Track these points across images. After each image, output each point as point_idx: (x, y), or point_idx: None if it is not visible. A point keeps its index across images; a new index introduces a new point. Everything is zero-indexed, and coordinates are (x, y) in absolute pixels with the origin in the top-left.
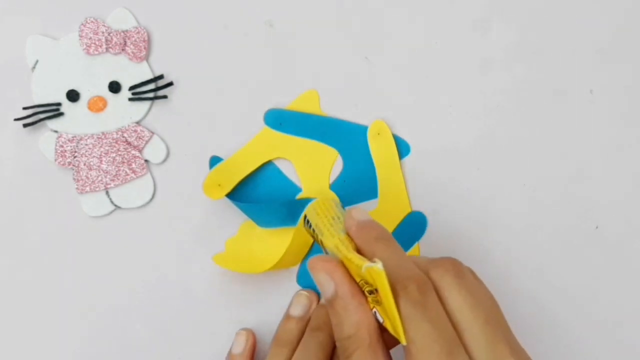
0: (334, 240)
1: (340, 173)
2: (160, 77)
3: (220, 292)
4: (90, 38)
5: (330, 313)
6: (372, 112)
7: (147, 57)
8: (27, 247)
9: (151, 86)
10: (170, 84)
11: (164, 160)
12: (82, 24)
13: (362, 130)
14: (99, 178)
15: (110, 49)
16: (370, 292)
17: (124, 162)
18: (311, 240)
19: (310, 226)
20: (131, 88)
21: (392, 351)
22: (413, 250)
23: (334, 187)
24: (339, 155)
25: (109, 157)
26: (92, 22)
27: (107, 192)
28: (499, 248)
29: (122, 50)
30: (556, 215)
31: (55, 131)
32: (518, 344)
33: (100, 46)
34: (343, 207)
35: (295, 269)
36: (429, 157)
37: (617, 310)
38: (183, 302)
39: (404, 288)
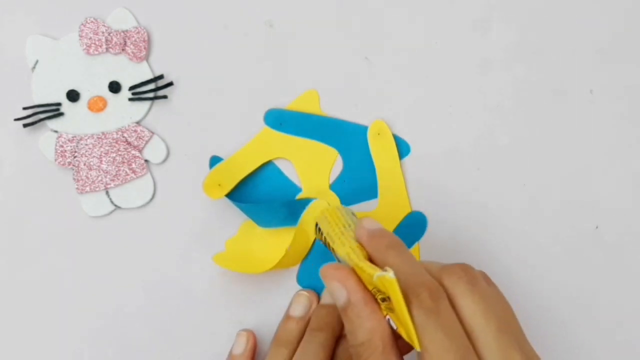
0: (345, 249)
1: (340, 173)
2: (160, 77)
3: (221, 292)
4: (90, 38)
5: (343, 320)
6: (372, 112)
7: (147, 57)
8: (27, 247)
9: (151, 86)
10: (170, 84)
11: (164, 160)
12: (82, 24)
13: (362, 130)
14: (99, 178)
15: (110, 49)
16: (383, 300)
17: (124, 162)
18: (311, 241)
19: (322, 233)
20: (131, 88)
21: (405, 357)
22: (413, 250)
23: (334, 187)
24: (339, 155)
25: (109, 157)
26: (92, 22)
27: (107, 192)
28: (498, 248)
29: (122, 50)
30: (556, 215)
31: (55, 131)
32: (532, 350)
33: (100, 46)
34: (354, 214)
35: (296, 269)
36: (429, 157)
37: (617, 310)
38: (183, 302)
39: (416, 296)
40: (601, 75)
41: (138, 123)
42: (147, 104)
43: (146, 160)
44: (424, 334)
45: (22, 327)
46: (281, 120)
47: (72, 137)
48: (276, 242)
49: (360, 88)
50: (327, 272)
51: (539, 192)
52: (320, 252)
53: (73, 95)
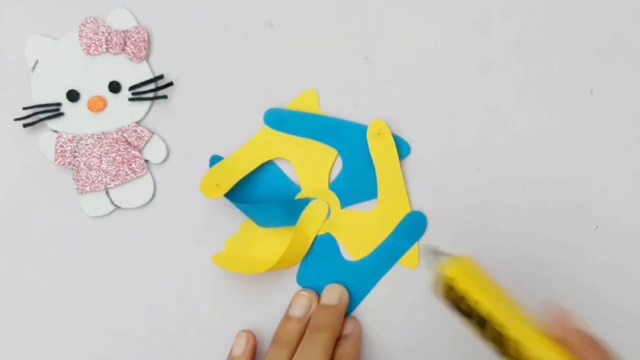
0: (536, 344)
1: (340, 173)
2: (160, 77)
3: (220, 292)
4: (90, 38)
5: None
6: (372, 112)
7: (147, 57)
8: (27, 247)
9: (151, 86)
10: (170, 84)
11: (164, 160)
12: (82, 24)
13: (362, 130)
14: (99, 178)
15: (110, 49)
16: None
17: (124, 162)
18: (311, 241)
19: (464, 300)
20: (131, 88)
21: None
22: (413, 251)
23: (333, 187)
24: (338, 155)
25: (109, 157)
26: (92, 22)
27: (107, 192)
28: (498, 248)
29: (122, 50)
30: (556, 215)
31: (55, 131)
32: None
33: (100, 46)
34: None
35: (295, 269)
36: (429, 157)
37: (617, 310)
38: (183, 302)
39: None
40: (601, 75)
41: (138, 123)
42: (147, 104)
43: (146, 160)
44: None
45: (22, 326)
46: (281, 120)
47: (72, 137)
48: (276, 243)
49: (360, 88)
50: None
51: (538, 192)
52: (320, 252)
53: (73, 95)
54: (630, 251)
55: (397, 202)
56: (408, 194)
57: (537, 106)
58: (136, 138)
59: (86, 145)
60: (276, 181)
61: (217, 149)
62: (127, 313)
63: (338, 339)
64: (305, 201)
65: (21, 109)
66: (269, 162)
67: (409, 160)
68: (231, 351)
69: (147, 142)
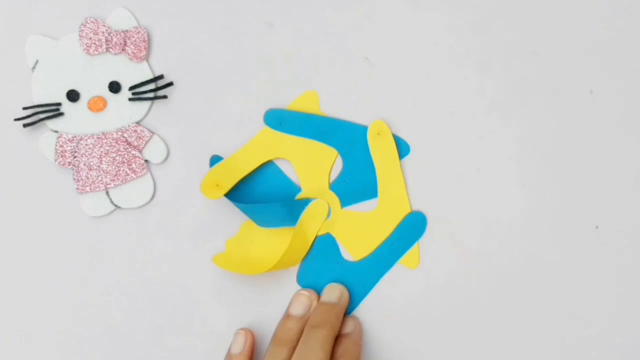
0: None
1: (340, 173)
2: (160, 77)
3: (220, 292)
4: (90, 38)
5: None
6: (372, 112)
7: (147, 57)
8: (27, 247)
9: (151, 86)
10: (170, 84)
11: (164, 160)
12: (82, 24)
13: (362, 130)
14: (99, 178)
15: (110, 49)
16: None
17: (124, 162)
18: (311, 241)
19: None
20: (131, 88)
21: None
22: (412, 251)
23: (333, 187)
24: (338, 155)
25: (109, 157)
26: (92, 22)
27: (107, 192)
28: (498, 248)
29: (122, 50)
30: (556, 215)
31: (55, 131)
32: None
33: (100, 46)
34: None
35: (295, 269)
36: (428, 157)
37: (617, 310)
38: (183, 302)
39: None
40: (601, 75)
41: (138, 123)
42: (147, 104)
43: (146, 160)
44: None
45: (22, 326)
46: (281, 120)
47: (72, 137)
48: (276, 243)
49: (360, 88)
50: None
51: (538, 192)
52: (320, 252)
53: (73, 95)
54: (630, 251)
55: (397, 202)
56: (408, 194)
57: (537, 106)
58: (136, 138)
59: (86, 145)
60: (276, 181)
61: (217, 149)
62: (127, 313)
63: (339, 337)
64: (305, 201)
65: (21, 109)
66: (269, 162)
67: (409, 160)
68: (230, 349)
69: (147, 142)
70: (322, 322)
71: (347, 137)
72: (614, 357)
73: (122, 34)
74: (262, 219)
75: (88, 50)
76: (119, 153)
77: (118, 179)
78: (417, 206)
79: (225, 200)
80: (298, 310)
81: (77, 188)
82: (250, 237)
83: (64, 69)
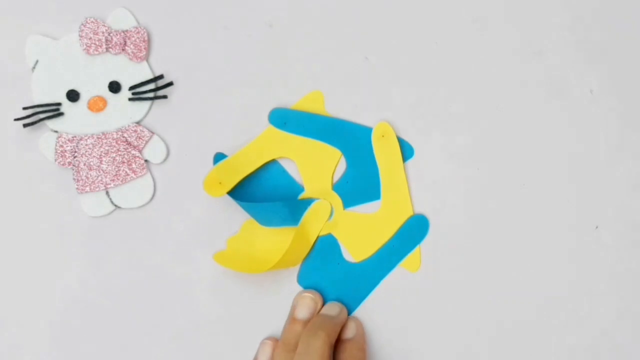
0: None
1: (343, 174)
2: (160, 77)
3: (221, 291)
4: (90, 38)
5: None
6: (377, 113)
7: (147, 57)
8: (27, 247)
9: (151, 86)
10: (170, 84)
11: (164, 160)
12: (82, 24)
13: (366, 131)
14: (99, 178)
15: (110, 49)
16: None
17: (123, 162)
18: (312, 241)
19: None
20: (131, 88)
21: None
22: (414, 254)
23: (336, 187)
24: (342, 156)
25: (109, 157)
26: (92, 22)
27: (107, 192)
28: (499, 249)
29: (122, 50)
30: (556, 215)
31: (55, 131)
32: None
33: (100, 46)
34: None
35: (296, 269)
36: (431, 160)
37: (617, 310)
38: (183, 302)
39: None
40: (601, 75)
41: (138, 123)
42: (147, 104)
43: (146, 160)
44: None
45: (22, 326)
46: (285, 119)
47: (72, 137)
48: (277, 242)
49: (365, 89)
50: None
51: (538, 192)
52: (321, 252)
53: (73, 95)
54: (630, 251)
55: (399, 205)
56: (411, 197)
57: (537, 106)
58: (136, 138)
59: (86, 145)
60: (279, 180)
61: (217, 149)
62: (126, 313)
63: (343, 343)
64: (308, 201)
65: (21, 109)
66: (273, 161)
67: (413, 163)
68: (256, 358)
69: (147, 142)
70: (319, 329)
71: (351, 138)
72: (615, 356)
73: (122, 33)
74: (264, 218)
75: (88, 50)
76: (119, 153)
77: (118, 179)
78: (420, 209)
79: (228, 198)
80: (303, 313)
81: (77, 188)
82: (252, 235)
83: (64, 69)
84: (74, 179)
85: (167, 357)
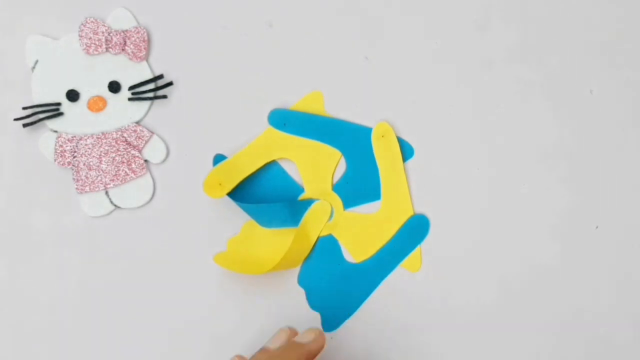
0: None
1: (343, 174)
2: (160, 77)
3: (221, 292)
4: (90, 38)
5: None
6: (377, 114)
7: (147, 57)
8: (27, 247)
9: (151, 86)
10: (170, 83)
11: (164, 160)
12: (82, 24)
13: (366, 131)
14: (99, 178)
15: (110, 49)
16: None
17: (123, 162)
18: (313, 242)
19: None
20: (131, 88)
21: None
22: (415, 254)
23: (336, 188)
24: (342, 157)
25: (109, 157)
26: (92, 22)
27: (106, 192)
28: (499, 249)
29: (122, 50)
30: (556, 215)
31: (55, 131)
32: None
33: (100, 46)
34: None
35: (297, 269)
36: (431, 160)
37: (617, 310)
38: (183, 303)
39: None
40: (601, 75)
41: (138, 123)
42: (146, 103)
43: (146, 160)
44: None
45: (22, 326)
46: (285, 120)
47: (72, 137)
48: (278, 243)
49: (365, 90)
50: None
51: (538, 192)
52: (321, 253)
53: (73, 95)
54: (631, 251)
55: (400, 205)
56: (411, 197)
57: (537, 106)
58: (136, 138)
59: (86, 145)
60: (279, 181)
61: (217, 149)
62: (126, 313)
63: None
64: (308, 202)
65: (21, 109)
66: (273, 162)
67: (413, 162)
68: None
69: (146, 142)
70: (277, 356)
71: (351, 139)
72: (614, 356)
73: (122, 33)
74: (265, 219)
75: (88, 50)
76: (119, 153)
77: (117, 179)
78: (420, 209)
79: (227, 199)
80: (274, 344)
81: (76, 188)
82: (252, 237)
83: (63, 69)
84: (74, 178)
85: (166, 357)
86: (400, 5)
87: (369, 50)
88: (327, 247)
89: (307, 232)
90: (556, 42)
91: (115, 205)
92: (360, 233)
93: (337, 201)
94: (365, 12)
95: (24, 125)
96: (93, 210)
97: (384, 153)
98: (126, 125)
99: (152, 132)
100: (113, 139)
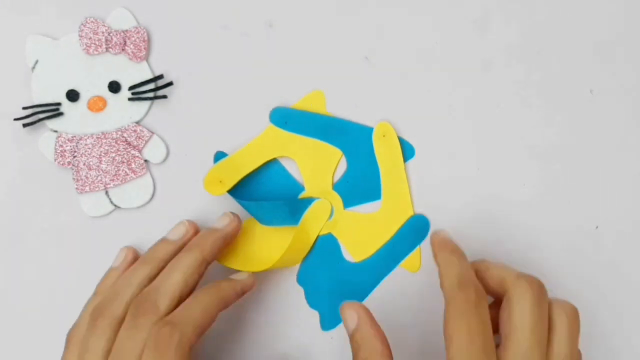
0: None
1: (343, 173)
2: (160, 77)
3: None
4: (90, 38)
5: (351, 344)
6: (378, 113)
7: (147, 57)
8: (27, 247)
9: (151, 86)
10: (170, 83)
11: (164, 160)
12: (82, 24)
13: (367, 131)
14: (99, 178)
15: (110, 49)
16: None
17: (123, 162)
18: (312, 240)
19: None
20: (131, 88)
21: None
22: (415, 254)
23: (337, 187)
24: (343, 156)
25: (109, 157)
26: (92, 22)
27: (106, 192)
28: (499, 249)
29: (122, 50)
30: (556, 215)
31: (55, 131)
32: None
33: (100, 46)
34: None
35: (296, 268)
36: (432, 160)
37: (617, 310)
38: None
39: (464, 289)
40: (601, 75)
41: (138, 123)
42: (146, 103)
43: (146, 160)
44: (454, 322)
45: (22, 326)
46: (286, 118)
47: (72, 137)
48: (277, 241)
49: (366, 89)
50: (344, 305)
51: (538, 192)
52: (321, 252)
53: (73, 95)
54: (630, 251)
55: (400, 205)
56: (411, 197)
57: (537, 106)
58: (136, 138)
59: (86, 145)
60: (280, 179)
61: (217, 149)
62: None
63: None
64: (309, 200)
65: (21, 109)
66: (273, 160)
67: (413, 163)
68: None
69: (146, 142)
70: (193, 246)
71: (352, 138)
72: (614, 357)
73: (122, 33)
74: (265, 217)
75: (88, 50)
76: (119, 153)
77: (117, 179)
78: (420, 209)
79: (227, 197)
80: (174, 236)
81: (76, 188)
82: (252, 234)
83: (63, 69)
84: (74, 178)
85: None
86: (400, 6)
87: (369, 50)
88: (326, 246)
89: (307, 231)
90: (556, 42)
91: (115, 205)
92: (360, 232)
93: (338, 200)
94: (366, 12)
95: (24, 125)
96: (93, 210)
97: (385, 153)
98: (126, 125)
99: (152, 132)
100: (113, 139)
